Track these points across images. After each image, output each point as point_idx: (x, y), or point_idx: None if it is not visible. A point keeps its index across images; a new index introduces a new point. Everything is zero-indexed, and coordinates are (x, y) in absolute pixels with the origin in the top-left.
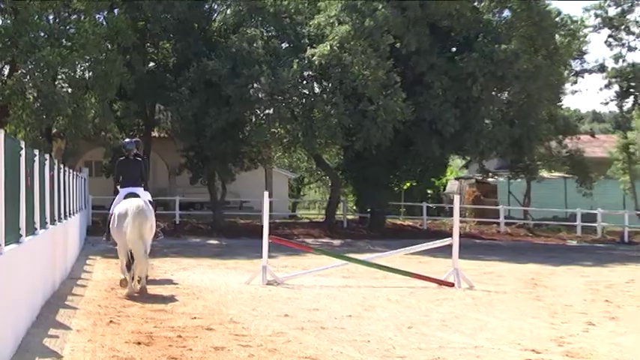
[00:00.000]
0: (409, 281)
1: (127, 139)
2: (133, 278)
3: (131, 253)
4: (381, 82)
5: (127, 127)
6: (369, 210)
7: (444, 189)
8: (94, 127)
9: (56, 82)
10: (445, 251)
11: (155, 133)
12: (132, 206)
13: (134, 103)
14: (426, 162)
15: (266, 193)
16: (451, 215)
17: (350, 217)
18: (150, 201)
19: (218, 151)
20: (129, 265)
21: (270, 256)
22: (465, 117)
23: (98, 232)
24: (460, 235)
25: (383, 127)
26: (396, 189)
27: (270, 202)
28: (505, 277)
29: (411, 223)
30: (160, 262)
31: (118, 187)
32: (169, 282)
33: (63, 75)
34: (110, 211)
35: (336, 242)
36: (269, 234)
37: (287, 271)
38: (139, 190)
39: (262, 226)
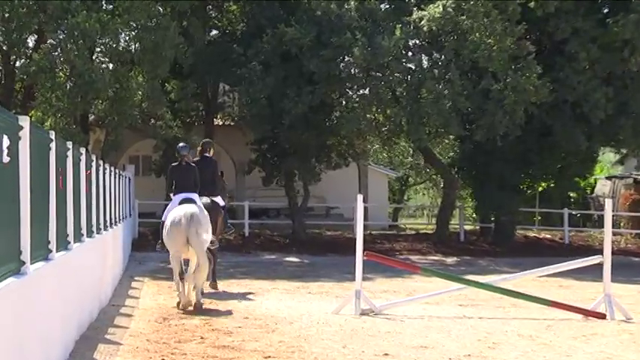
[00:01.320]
0: (546, 311)
1: (182, 144)
2: (187, 290)
3: (183, 262)
4: (509, 52)
5: (183, 113)
6: (492, 219)
7: (592, 191)
8: (141, 112)
9: (94, 57)
10: (593, 272)
11: (218, 121)
12: (185, 212)
13: (192, 82)
14: (568, 156)
15: (360, 197)
16: (601, 225)
17: (468, 227)
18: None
19: (299, 144)
20: (182, 276)
21: (365, 278)
22: (620, 97)
23: (147, 246)
24: (613, 252)
25: (511, 112)
26: (528, 191)
27: (365, 209)
28: None
29: (548, 236)
30: (224, 285)
31: (171, 194)
32: (236, 308)
33: (102, 47)
34: (162, 218)
35: (450, 260)
36: (364, 249)
37: (387, 298)
38: (194, 196)
39: (355, 239)
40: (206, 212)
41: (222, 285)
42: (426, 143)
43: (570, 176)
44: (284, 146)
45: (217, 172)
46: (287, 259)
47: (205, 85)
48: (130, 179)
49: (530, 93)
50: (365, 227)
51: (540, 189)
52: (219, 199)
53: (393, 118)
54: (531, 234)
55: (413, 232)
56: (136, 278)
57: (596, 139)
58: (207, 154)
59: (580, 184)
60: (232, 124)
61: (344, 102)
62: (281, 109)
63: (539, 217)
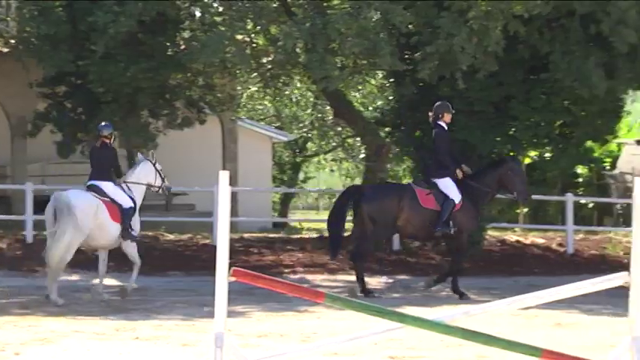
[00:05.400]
0: None
1: (104, 122)
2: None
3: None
4: None
5: None
6: None
7: (614, 165)
8: None
9: None
10: (614, 301)
11: None
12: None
13: None
14: (576, 106)
15: (224, 176)
16: (626, 223)
17: None
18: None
19: (120, 85)
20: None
21: (232, 313)
22: None
23: None
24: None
25: (482, 32)
26: None
27: (234, 195)
28: None
29: (539, 240)
30: None
31: None
32: None
33: None
34: None
35: (377, 281)
36: (231, 264)
37: (268, 346)
38: (104, 185)
39: (214, 248)
40: (96, 203)
41: None
42: (336, 85)
43: (578, 139)
44: (95, 90)
45: (448, 148)
46: (99, 280)
47: None
48: None
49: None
50: (233, 227)
51: (528, 161)
52: (450, 188)
53: (282, 41)
54: (512, 237)
55: (315, 235)
56: None
57: (623, 78)
58: (440, 122)
59: (594, 153)
60: (5, 50)
61: (198, 14)
62: (90, 27)
63: (526, 209)
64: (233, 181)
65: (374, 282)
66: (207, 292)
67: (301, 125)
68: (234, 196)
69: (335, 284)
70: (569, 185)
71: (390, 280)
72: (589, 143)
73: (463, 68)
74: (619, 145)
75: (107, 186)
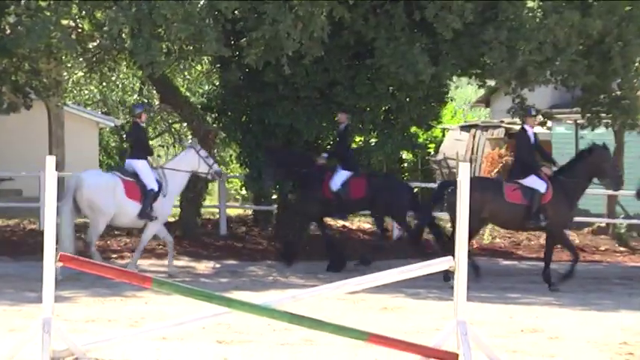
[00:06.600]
0: (361, 350)
1: (136, 103)
2: None
3: None
4: None
5: None
6: (275, 197)
7: (438, 150)
8: None
9: None
10: (439, 285)
11: None
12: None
13: None
14: (401, 92)
15: (51, 161)
16: (451, 208)
17: (234, 211)
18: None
19: None
20: None
21: (59, 298)
22: None
23: None
24: (472, 252)
25: (307, 17)
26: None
27: (61, 181)
28: (566, 340)
29: (366, 225)
30: None
31: None
32: None
33: None
34: None
35: (204, 267)
36: (57, 250)
37: (96, 331)
38: (134, 163)
39: (42, 233)
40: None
41: None
42: (163, 70)
43: (403, 125)
44: None
45: (529, 150)
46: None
47: None
48: None
49: None
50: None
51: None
52: (536, 182)
53: (108, 26)
54: (338, 222)
55: None
56: None
57: (447, 64)
58: (525, 125)
59: (419, 139)
60: None
61: (23, 1)
62: None
63: None
64: (60, 167)
65: (201, 267)
66: (34, 277)
67: (128, 110)
68: (61, 182)
69: (163, 269)
70: (394, 170)
71: (218, 265)
72: (414, 129)
73: (289, 54)
74: (443, 130)
75: (138, 163)
